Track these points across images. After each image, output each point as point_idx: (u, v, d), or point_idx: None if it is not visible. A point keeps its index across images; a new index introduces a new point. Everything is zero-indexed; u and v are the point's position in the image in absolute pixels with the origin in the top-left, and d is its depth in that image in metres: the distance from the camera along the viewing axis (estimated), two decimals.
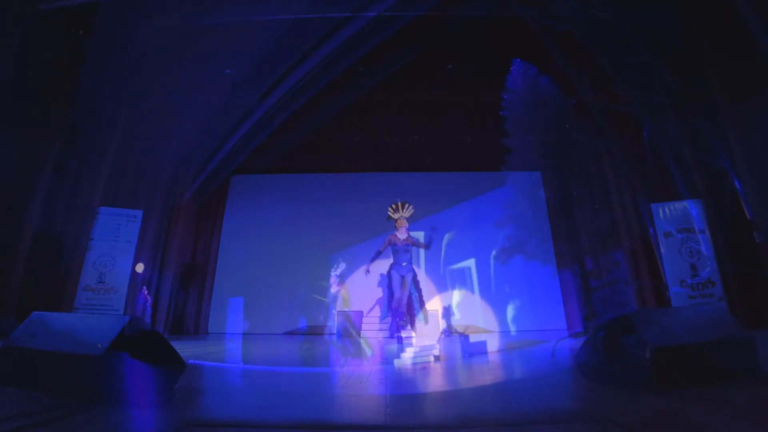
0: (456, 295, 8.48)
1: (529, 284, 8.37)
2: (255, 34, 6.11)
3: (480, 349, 4.48)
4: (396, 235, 6.66)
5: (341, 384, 2.56)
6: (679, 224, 6.01)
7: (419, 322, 6.57)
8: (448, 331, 6.39)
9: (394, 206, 7.03)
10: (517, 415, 1.53)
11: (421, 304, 6.78)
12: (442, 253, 8.76)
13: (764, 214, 4.97)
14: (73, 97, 5.41)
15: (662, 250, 6.08)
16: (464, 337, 4.22)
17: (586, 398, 1.87)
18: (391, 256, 6.65)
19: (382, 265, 7.39)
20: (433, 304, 8.25)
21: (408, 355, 3.81)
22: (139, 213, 6.32)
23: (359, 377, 2.82)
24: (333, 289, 8.25)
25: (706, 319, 2.09)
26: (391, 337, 6.13)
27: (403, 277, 6.46)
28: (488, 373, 3.03)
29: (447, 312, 7.06)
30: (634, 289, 6.70)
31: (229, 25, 5.95)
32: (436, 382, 2.59)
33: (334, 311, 7.86)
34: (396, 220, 6.82)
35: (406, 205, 6.97)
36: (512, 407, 1.67)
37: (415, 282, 6.76)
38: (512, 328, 8.05)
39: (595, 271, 7.72)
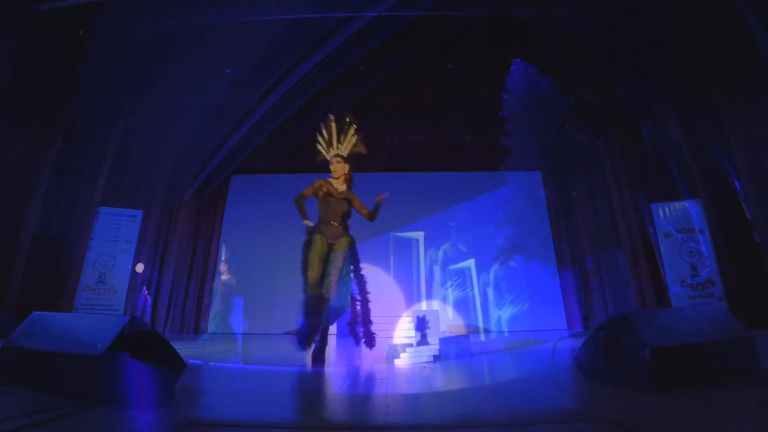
0: (455, 296, 8.48)
1: (529, 284, 8.37)
2: (255, 34, 6.12)
3: (480, 349, 4.48)
4: (330, 182, 3.90)
5: (338, 384, 2.56)
6: (679, 224, 6.01)
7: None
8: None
9: (325, 134, 4.02)
10: (517, 415, 1.52)
11: (362, 303, 3.87)
12: (441, 253, 8.76)
13: (764, 214, 4.98)
14: (73, 96, 5.42)
15: (662, 250, 6.08)
16: (464, 337, 4.21)
17: (586, 398, 1.87)
18: (318, 211, 3.85)
19: None
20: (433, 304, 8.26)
21: (408, 355, 3.81)
22: (139, 213, 6.32)
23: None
24: (224, 277, 8.12)
25: (706, 319, 2.09)
26: (300, 345, 3.36)
27: (331, 245, 3.66)
28: (488, 373, 3.03)
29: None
30: (634, 289, 6.70)
31: (229, 25, 5.95)
32: (436, 382, 2.59)
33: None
34: (330, 162, 3.96)
35: (346, 128, 4.02)
36: (512, 407, 1.67)
37: (354, 260, 3.89)
38: (512, 328, 8.05)
39: (595, 271, 7.72)
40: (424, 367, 3.18)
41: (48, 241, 5.25)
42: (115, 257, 5.98)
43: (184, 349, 4.29)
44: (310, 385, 2.56)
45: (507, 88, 7.97)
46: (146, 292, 6.73)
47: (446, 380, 2.64)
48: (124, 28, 5.60)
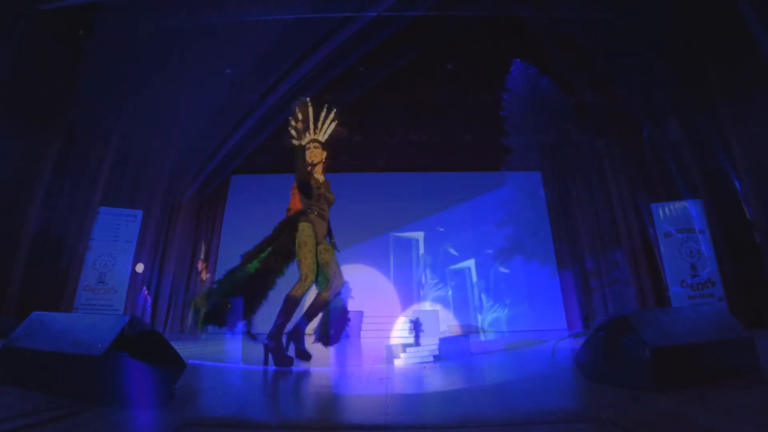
0: (454, 296, 8.48)
1: (529, 284, 8.37)
2: (255, 34, 6.12)
3: (480, 349, 4.48)
4: (314, 176, 3.56)
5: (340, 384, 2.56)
6: (679, 224, 6.01)
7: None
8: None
9: (299, 116, 3.63)
10: (517, 415, 1.52)
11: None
12: (440, 254, 8.77)
13: (764, 214, 4.98)
14: (73, 96, 5.42)
15: (662, 250, 6.08)
16: (464, 337, 4.21)
17: (586, 398, 1.87)
18: (305, 202, 3.51)
19: None
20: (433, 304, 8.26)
21: (407, 355, 3.81)
22: (139, 213, 6.32)
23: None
24: (204, 276, 7.93)
25: (706, 319, 2.09)
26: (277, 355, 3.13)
27: (318, 242, 3.36)
28: (488, 373, 3.03)
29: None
30: (634, 289, 6.71)
31: (229, 25, 5.96)
32: (436, 382, 2.59)
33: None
34: (307, 146, 3.60)
35: (325, 112, 3.66)
36: (512, 407, 1.67)
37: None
38: (512, 328, 8.05)
39: (595, 271, 7.72)
40: (424, 367, 3.17)
41: (48, 241, 5.25)
42: (115, 257, 5.98)
43: (184, 349, 4.28)
44: (310, 385, 2.56)
45: (507, 88, 7.97)
46: (146, 292, 6.73)
47: (446, 380, 2.64)
48: (123, 28, 5.60)
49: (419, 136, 8.88)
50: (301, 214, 3.38)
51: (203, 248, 8.47)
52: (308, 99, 3.72)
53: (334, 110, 3.68)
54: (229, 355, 4.56)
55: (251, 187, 9.14)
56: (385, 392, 2.10)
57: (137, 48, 5.76)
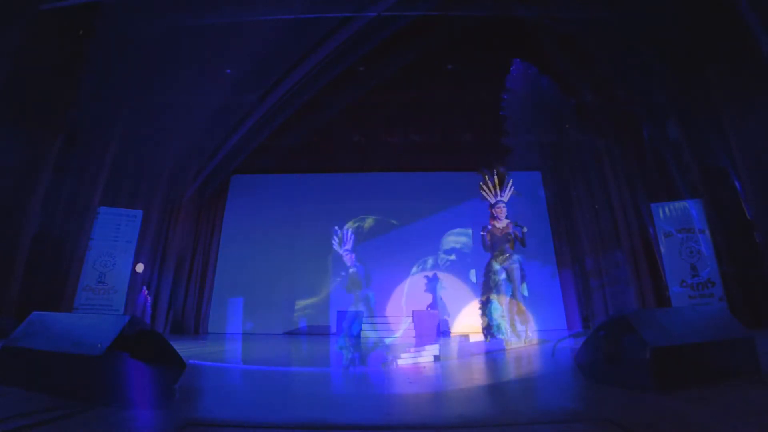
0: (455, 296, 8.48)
1: (529, 284, 8.35)
2: (255, 34, 6.11)
3: (480, 349, 4.48)
4: (495, 226, 5.52)
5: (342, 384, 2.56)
6: (679, 224, 6.01)
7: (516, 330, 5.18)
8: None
9: (488, 184, 5.69)
10: (517, 415, 1.52)
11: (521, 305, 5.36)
12: (441, 253, 8.76)
13: (764, 214, 4.97)
14: (73, 97, 5.42)
15: (662, 250, 6.08)
16: (464, 337, 4.21)
17: (586, 398, 1.87)
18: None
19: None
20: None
21: (408, 355, 3.81)
22: (139, 213, 6.32)
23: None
24: (349, 264, 6.68)
25: (706, 319, 2.09)
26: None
27: (506, 270, 5.41)
28: (488, 373, 3.03)
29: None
30: (634, 289, 6.70)
31: (229, 25, 5.95)
32: (436, 382, 2.59)
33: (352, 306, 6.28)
34: (493, 207, 5.61)
35: (506, 181, 5.64)
36: (512, 407, 1.67)
37: (522, 277, 5.51)
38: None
39: (595, 271, 7.72)
40: (424, 367, 3.18)
41: (48, 241, 5.25)
42: (115, 257, 5.98)
43: (184, 349, 4.28)
44: (310, 385, 2.56)
45: (507, 88, 7.96)
46: (146, 292, 6.72)
47: (446, 380, 2.64)
48: (124, 27, 5.60)
49: (419, 136, 8.87)
50: (492, 259, 5.61)
51: (350, 232, 6.88)
52: (494, 169, 5.69)
53: (511, 181, 5.60)
54: (229, 355, 4.56)
55: (251, 187, 9.14)
56: (385, 392, 2.10)
57: (137, 48, 5.76)
